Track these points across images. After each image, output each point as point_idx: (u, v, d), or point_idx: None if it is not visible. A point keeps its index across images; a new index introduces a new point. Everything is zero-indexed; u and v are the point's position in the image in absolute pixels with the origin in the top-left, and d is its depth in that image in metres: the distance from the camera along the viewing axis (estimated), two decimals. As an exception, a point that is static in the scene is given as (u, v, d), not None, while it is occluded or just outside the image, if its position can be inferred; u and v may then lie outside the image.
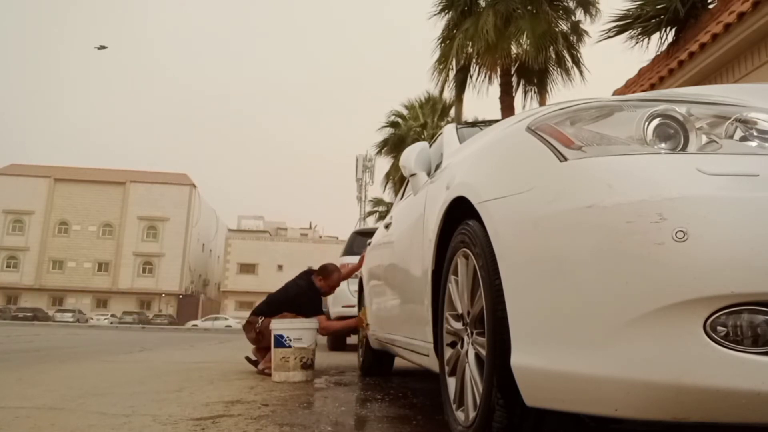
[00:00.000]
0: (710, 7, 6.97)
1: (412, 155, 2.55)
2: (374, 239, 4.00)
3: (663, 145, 1.16)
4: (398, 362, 4.18)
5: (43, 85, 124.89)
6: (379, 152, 22.43)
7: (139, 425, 2.05)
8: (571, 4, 12.39)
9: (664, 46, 7.72)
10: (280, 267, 44.02)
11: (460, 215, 1.71)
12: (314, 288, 4.33)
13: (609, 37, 7.98)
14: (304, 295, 4.26)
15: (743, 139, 1.14)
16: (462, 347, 1.68)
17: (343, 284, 6.31)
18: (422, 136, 19.23)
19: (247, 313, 4.66)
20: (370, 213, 27.42)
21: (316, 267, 4.54)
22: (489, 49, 11.43)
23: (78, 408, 2.42)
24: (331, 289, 4.47)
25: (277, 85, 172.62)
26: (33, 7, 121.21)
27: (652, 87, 7.32)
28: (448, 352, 1.81)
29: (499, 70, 12.30)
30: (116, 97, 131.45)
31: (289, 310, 4.15)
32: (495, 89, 12.81)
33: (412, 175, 2.53)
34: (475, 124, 3.11)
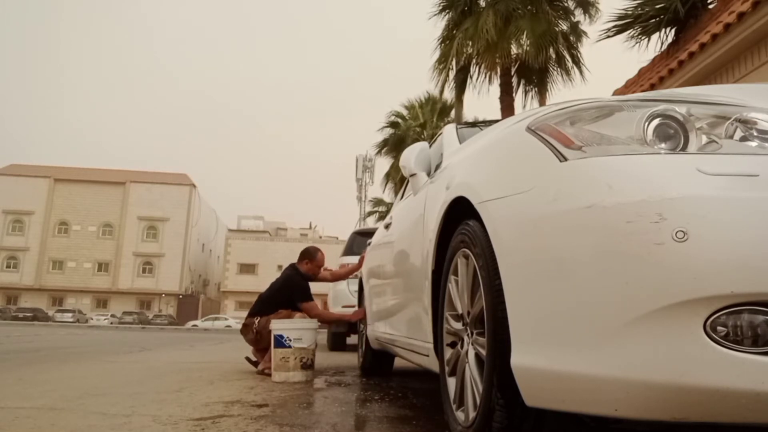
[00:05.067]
0: (710, 7, 6.97)
1: (412, 155, 2.55)
2: (374, 239, 4.00)
3: (663, 145, 1.16)
4: (398, 362, 4.18)
5: (43, 85, 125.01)
6: (379, 152, 22.46)
7: (139, 425, 2.05)
8: (571, 4, 12.41)
9: (664, 46, 7.72)
10: (280, 267, 43.72)
11: (460, 215, 1.71)
12: (300, 274, 4.36)
13: (609, 36, 7.99)
14: (291, 280, 4.29)
15: (743, 139, 1.14)
16: (462, 347, 1.68)
17: (343, 284, 6.34)
18: (422, 136, 19.24)
19: (246, 313, 4.67)
20: (370, 213, 27.44)
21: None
22: (489, 49, 11.44)
23: (78, 408, 2.42)
24: (319, 270, 4.49)
25: (277, 86, 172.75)
26: (33, 7, 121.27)
27: (652, 87, 7.32)
28: (448, 352, 1.81)
29: (499, 70, 12.31)
30: (116, 97, 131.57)
31: (281, 302, 4.17)
32: (495, 89, 12.84)
33: (412, 175, 2.53)
34: (475, 124, 3.11)
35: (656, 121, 1.18)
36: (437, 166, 2.42)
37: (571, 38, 12.31)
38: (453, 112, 18.38)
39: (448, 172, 2.03)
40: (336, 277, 5.08)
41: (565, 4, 12.46)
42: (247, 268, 47.00)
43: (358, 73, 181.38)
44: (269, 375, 3.78)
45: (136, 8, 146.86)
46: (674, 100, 1.23)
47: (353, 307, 5.83)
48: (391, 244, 3.05)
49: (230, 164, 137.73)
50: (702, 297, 0.95)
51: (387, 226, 3.39)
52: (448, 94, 14.46)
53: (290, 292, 4.23)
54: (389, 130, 21.92)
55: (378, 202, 26.55)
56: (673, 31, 7.58)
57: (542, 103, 12.60)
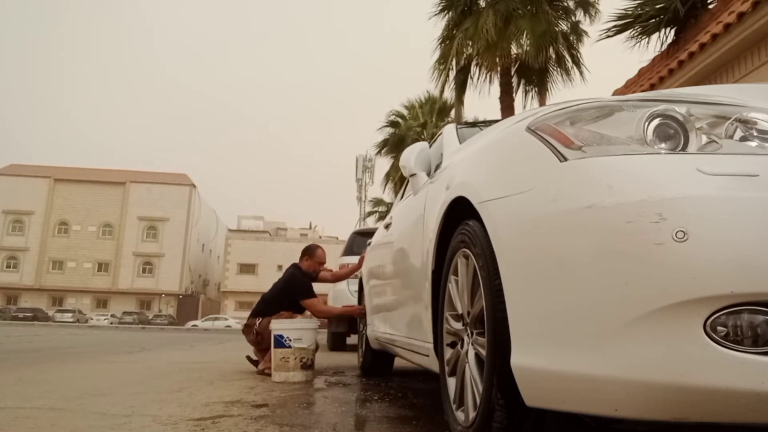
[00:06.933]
0: (710, 7, 6.97)
1: (412, 155, 2.55)
2: (374, 239, 4.00)
3: (663, 145, 1.16)
4: (398, 362, 4.18)
5: (43, 85, 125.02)
6: (379, 152, 22.46)
7: (139, 425, 2.05)
8: (571, 5, 12.40)
9: (664, 46, 7.72)
10: (280, 267, 43.77)
11: (460, 215, 1.71)
12: (303, 272, 4.35)
13: (609, 36, 7.98)
14: (293, 279, 4.28)
15: (743, 139, 1.14)
16: (462, 347, 1.68)
17: (343, 284, 6.33)
18: (422, 136, 19.23)
19: (247, 313, 4.67)
20: (370, 213, 27.44)
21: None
22: (489, 49, 11.43)
23: (78, 408, 2.42)
24: (320, 266, 4.49)
25: (277, 86, 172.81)
26: (33, 7, 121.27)
27: (652, 87, 7.32)
28: (448, 352, 1.81)
29: (499, 70, 12.30)
30: (116, 97, 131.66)
31: (284, 301, 4.17)
32: (495, 89, 12.82)
33: (412, 175, 2.53)
34: (475, 124, 3.11)
35: (656, 121, 1.18)
36: (437, 166, 2.42)
37: (571, 38, 12.30)
38: (453, 112, 18.37)
39: (448, 172, 2.03)
40: (337, 278, 5.07)
41: (565, 4, 12.45)
42: (247, 268, 46.99)
43: (358, 73, 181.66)
44: (269, 375, 3.78)
45: (137, 8, 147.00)
46: (674, 100, 1.23)
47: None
48: (391, 244, 3.05)
49: (230, 164, 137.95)
50: (702, 297, 0.95)
51: (387, 226, 3.39)
52: (449, 94, 14.47)
53: (292, 291, 4.23)
54: (389, 130, 21.93)
55: (378, 202, 26.54)
56: (673, 31, 7.58)
57: (542, 103, 12.59)
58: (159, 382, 3.42)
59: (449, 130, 2.70)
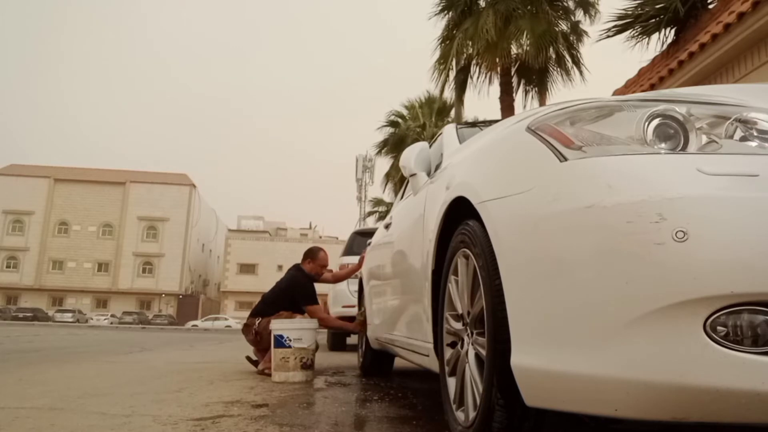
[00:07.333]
0: (710, 7, 6.97)
1: (412, 155, 2.55)
2: (374, 239, 4.00)
3: (663, 145, 1.16)
4: (398, 362, 4.18)
5: (43, 85, 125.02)
6: (379, 152, 22.46)
7: (139, 425, 2.05)
8: (571, 5, 12.40)
9: (664, 46, 7.73)
10: (280, 267, 43.82)
11: (460, 215, 1.71)
12: (305, 275, 4.34)
13: (609, 36, 7.99)
14: (296, 282, 4.27)
15: (743, 139, 1.14)
16: (462, 347, 1.68)
17: (343, 284, 6.33)
18: (422, 136, 19.22)
19: (247, 314, 4.66)
20: (370, 213, 27.44)
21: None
22: (489, 49, 11.44)
23: (78, 408, 2.42)
24: (322, 269, 4.47)
25: (277, 86, 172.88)
26: (33, 7, 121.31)
27: (652, 87, 7.32)
28: (448, 352, 1.81)
29: (499, 70, 12.31)
30: (117, 98, 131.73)
31: (285, 303, 4.17)
32: (495, 89, 12.83)
33: (412, 175, 2.53)
34: (475, 124, 3.11)
35: (656, 121, 1.18)
36: (437, 166, 2.42)
37: (571, 38, 12.30)
38: (453, 112, 18.36)
39: (448, 172, 2.03)
40: (337, 278, 5.08)
41: (565, 4, 12.46)
42: (247, 268, 47.01)
43: (358, 73, 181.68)
44: (269, 375, 3.78)
45: (137, 8, 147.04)
46: (674, 100, 1.23)
47: (353, 307, 5.83)
48: (391, 244, 3.05)
49: (230, 164, 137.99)
50: (702, 297, 0.95)
51: (387, 227, 3.39)
52: (448, 94, 14.46)
53: (293, 294, 4.22)
54: (389, 130, 21.93)
55: (378, 202, 26.53)
56: (673, 31, 7.58)
57: (542, 103, 12.59)
58: (159, 382, 3.42)
59: (449, 130, 2.70)
